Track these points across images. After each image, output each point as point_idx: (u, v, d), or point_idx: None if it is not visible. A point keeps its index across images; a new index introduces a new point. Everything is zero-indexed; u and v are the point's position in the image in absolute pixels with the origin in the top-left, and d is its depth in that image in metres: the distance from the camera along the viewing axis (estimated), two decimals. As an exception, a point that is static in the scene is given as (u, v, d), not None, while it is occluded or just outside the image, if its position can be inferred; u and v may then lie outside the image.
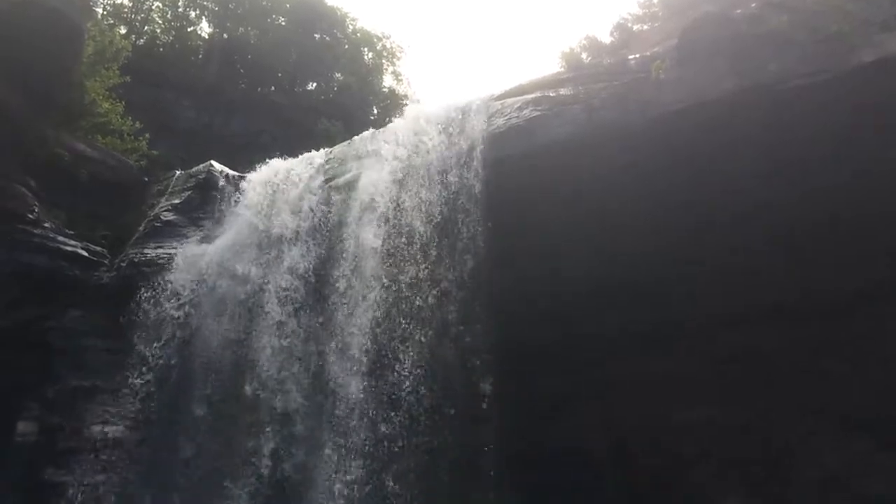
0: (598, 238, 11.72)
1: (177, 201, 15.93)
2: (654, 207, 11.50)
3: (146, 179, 17.37)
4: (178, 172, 16.94)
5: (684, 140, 11.20)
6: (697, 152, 11.19)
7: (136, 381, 13.26)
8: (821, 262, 10.84)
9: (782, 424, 10.92)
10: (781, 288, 11.22)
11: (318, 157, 15.46)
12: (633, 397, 11.75)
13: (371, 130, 15.30)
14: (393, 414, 11.70)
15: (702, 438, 11.35)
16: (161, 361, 13.37)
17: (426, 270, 12.55)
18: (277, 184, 15.06)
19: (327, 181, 14.57)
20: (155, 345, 13.50)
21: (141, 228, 15.60)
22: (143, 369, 13.31)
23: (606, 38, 17.12)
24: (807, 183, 10.78)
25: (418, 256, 12.64)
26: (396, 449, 11.51)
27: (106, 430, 12.94)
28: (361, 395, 11.84)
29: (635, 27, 17.11)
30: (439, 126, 13.61)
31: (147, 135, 19.12)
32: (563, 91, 12.83)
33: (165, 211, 15.75)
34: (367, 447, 11.51)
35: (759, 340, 11.20)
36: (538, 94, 12.98)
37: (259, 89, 31.96)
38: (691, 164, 11.22)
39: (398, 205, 13.06)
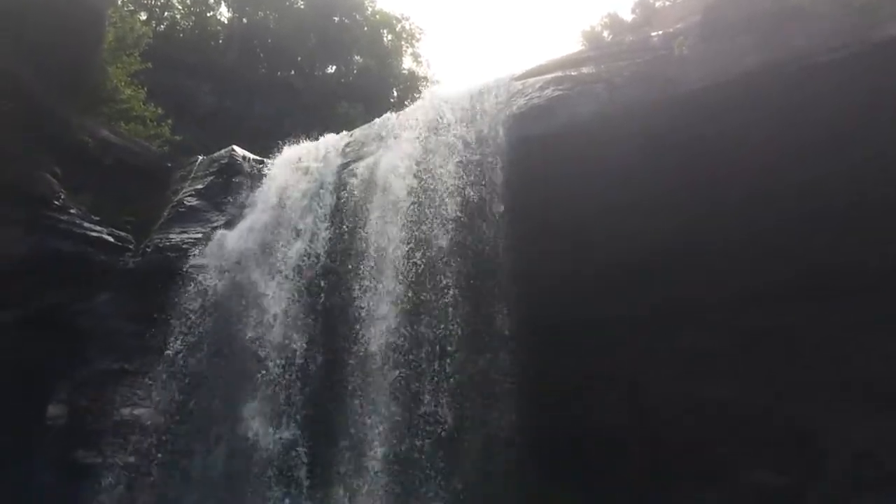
0: (620, 217, 11.66)
1: (200, 186, 16.04)
2: (676, 185, 11.42)
3: (169, 165, 17.46)
4: (200, 158, 17.03)
5: (707, 117, 11.10)
6: (720, 130, 11.08)
7: (161, 365, 13.41)
8: (847, 240, 10.72)
9: (809, 400, 10.85)
10: (808, 265, 11.12)
11: (338, 140, 15.46)
12: (658, 374, 11.75)
13: (391, 113, 15.25)
14: (415, 389, 11.70)
15: (727, 415, 11.33)
16: (186, 346, 13.50)
17: (447, 252, 12.51)
18: (298, 167, 15.09)
19: (348, 164, 14.58)
20: (180, 329, 13.64)
21: (165, 214, 15.75)
22: (169, 353, 13.46)
23: (628, 16, 16.89)
24: (830, 161, 10.66)
25: (440, 239, 12.61)
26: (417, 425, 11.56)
27: (135, 412, 13.14)
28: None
29: (657, 4, 16.85)
30: (459, 107, 13.56)
31: (169, 121, 19.23)
32: (584, 70, 12.72)
33: (189, 196, 15.88)
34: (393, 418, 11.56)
35: (786, 316, 11.13)
36: (559, 73, 12.88)
37: (279, 73, 32.03)
38: (714, 142, 11.12)
39: (419, 187, 13.02)
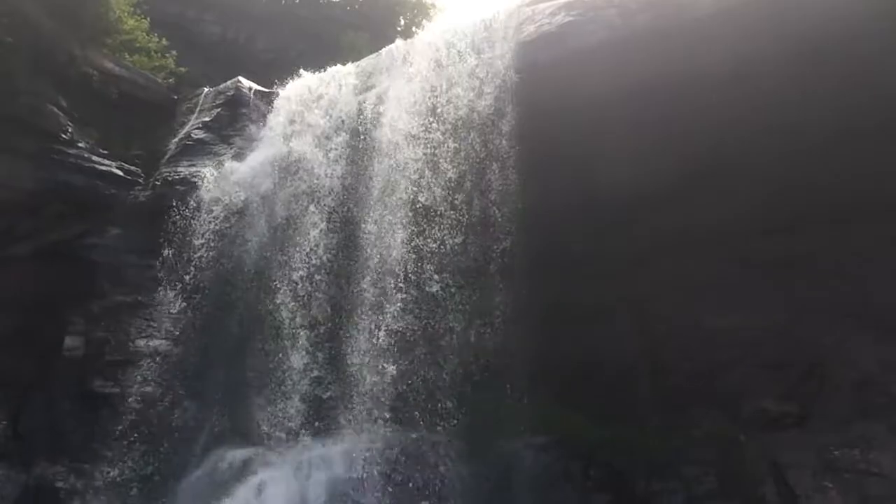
0: (630, 146, 11.51)
1: (206, 119, 15.95)
2: (689, 114, 11.25)
3: (175, 97, 17.33)
4: (206, 90, 16.88)
5: (722, 45, 10.85)
6: (735, 56, 10.85)
7: (173, 297, 13.59)
8: (861, 168, 10.61)
9: (818, 328, 10.90)
10: (821, 193, 11.03)
11: (346, 71, 15.25)
12: (666, 304, 11.81)
13: (399, 42, 15.00)
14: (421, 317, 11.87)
15: (736, 343, 11.40)
16: (196, 278, 13.65)
17: (455, 183, 12.47)
18: (306, 99, 14.94)
19: (356, 94, 14.41)
20: (190, 262, 13.76)
21: (173, 147, 15.71)
22: (179, 286, 13.62)
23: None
24: (850, 92, 10.44)
25: (449, 170, 12.55)
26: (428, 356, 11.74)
27: (150, 343, 13.38)
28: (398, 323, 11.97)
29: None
30: (468, 35, 13.30)
31: (174, 52, 18.97)
32: (596, -5, 12.39)
33: (196, 129, 15.81)
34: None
35: (798, 244, 11.12)
36: (571, -2, 12.55)
37: (283, 2, 31.30)
38: (728, 69, 10.90)
39: (427, 117, 12.89)
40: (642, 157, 11.37)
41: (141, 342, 13.39)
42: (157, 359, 13.20)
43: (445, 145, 12.63)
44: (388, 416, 11.40)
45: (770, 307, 11.26)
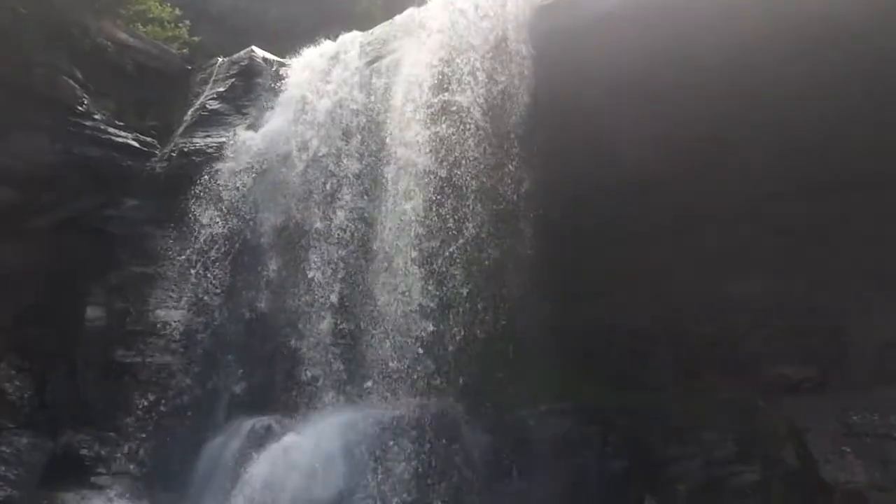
0: (648, 113, 11.36)
1: (221, 89, 15.90)
2: (708, 80, 11.07)
3: (189, 68, 17.30)
4: (220, 60, 16.82)
5: (741, 10, 10.66)
6: (755, 24, 10.64)
7: (191, 267, 13.69)
8: (888, 132, 10.44)
9: (840, 293, 10.80)
10: (844, 158, 10.88)
11: (359, 38, 15.14)
12: (686, 272, 11.70)
13: (413, 8, 14.83)
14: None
15: (757, 309, 11.33)
16: (215, 248, 13.75)
17: (470, 154, 12.40)
18: (319, 68, 14.87)
19: (370, 63, 14.32)
20: (208, 232, 13.86)
21: (188, 118, 15.72)
22: (198, 256, 13.73)
23: None
24: (871, 55, 10.24)
25: (468, 140, 12.48)
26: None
27: (170, 313, 13.52)
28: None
29: None
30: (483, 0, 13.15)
31: (187, 22, 18.89)
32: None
33: (211, 99, 15.77)
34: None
35: (821, 210, 10.98)
36: (589, -40, 12.34)
37: (296, -30, 30.98)
38: (749, 37, 10.70)
39: (442, 85, 12.77)
40: (661, 127, 11.21)
41: (161, 312, 13.53)
42: (178, 328, 13.35)
43: (462, 112, 12.52)
44: (410, 385, 11.48)
45: (792, 272, 11.15)
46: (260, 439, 11.29)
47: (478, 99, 12.53)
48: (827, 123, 10.81)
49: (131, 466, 12.23)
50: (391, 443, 10.66)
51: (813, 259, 11.06)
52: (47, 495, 11.58)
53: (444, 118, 12.61)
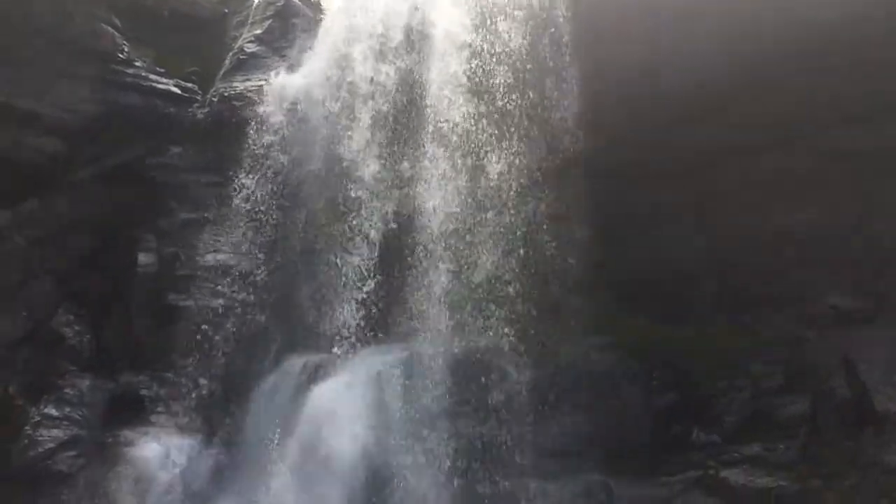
0: (703, 36, 10.96)
1: (258, 31, 15.78)
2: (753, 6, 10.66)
3: (225, 11, 17.12)
4: (256, 1, 16.62)
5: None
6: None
7: (238, 212, 13.86)
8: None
9: (892, 222, 10.58)
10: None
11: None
12: (734, 203, 11.53)
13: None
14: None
15: (805, 240, 11.17)
16: (259, 191, 13.88)
17: (512, 105, 12.24)
18: (357, 6, 14.67)
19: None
20: (252, 176, 13.96)
21: (227, 62, 15.65)
22: (242, 201, 13.87)
23: None
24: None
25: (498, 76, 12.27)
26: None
27: (218, 257, 13.75)
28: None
29: None
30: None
31: (220, -37, 18.64)
32: None
33: (248, 42, 15.67)
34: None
35: (873, 135, 10.63)
36: None
37: None
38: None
39: (484, 36, 12.68)
40: (715, 41, 10.81)
41: (209, 256, 13.75)
42: (227, 272, 13.57)
43: (500, 45, 12.31)
44: (452, 324, 11.59)
45: (843, 202, 10.93)
46: (311, 377, 11.57)
47: (517, 29, 12.33)
48: (892, 43, 10.34)
49: (188, 404, 12.64)
50: (440, 380, 10.83)
51: (866, 187, 10.78)
52: (110, 434, 12.06)
53: (483, 48, 12.43)
